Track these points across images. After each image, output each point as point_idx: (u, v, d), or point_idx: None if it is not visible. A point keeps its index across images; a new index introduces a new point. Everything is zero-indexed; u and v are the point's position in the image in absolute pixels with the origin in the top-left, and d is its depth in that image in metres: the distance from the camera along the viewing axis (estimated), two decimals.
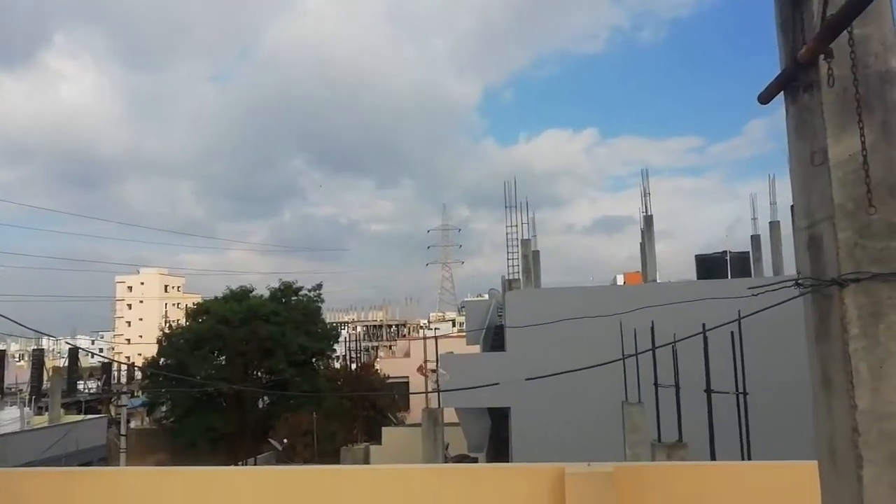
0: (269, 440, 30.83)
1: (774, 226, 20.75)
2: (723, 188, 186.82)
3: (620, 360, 11.51)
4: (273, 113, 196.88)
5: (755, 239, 22.46)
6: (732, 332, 8.76)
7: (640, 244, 22.90)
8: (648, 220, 19.76)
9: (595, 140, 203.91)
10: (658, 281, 19.44)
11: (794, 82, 2.74)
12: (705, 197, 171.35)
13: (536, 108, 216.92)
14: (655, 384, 8.64)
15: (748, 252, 20.74)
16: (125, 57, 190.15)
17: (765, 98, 3.13)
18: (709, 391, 8.27)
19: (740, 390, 8.30)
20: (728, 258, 19.35)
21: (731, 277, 18.91)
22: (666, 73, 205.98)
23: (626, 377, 11.75)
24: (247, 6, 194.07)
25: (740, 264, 19.61)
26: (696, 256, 20.27)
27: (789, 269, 20.00)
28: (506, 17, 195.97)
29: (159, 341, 40.62)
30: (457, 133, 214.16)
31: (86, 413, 41.42)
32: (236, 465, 30.33)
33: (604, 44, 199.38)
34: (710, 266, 19.50)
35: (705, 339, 8.35)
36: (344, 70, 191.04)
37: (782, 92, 3.09)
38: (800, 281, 2.76)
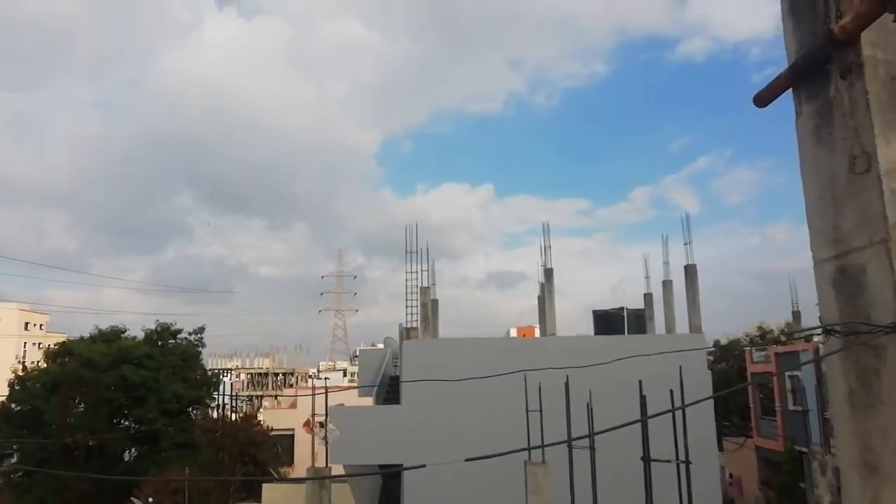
0: (132, 499, 27.72)
1: (667, 285, 21.15)
2: (609, 250, 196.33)
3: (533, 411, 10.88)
4: (160, 146, 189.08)
5: (648, 297, 22.91)
6: (672, 391, 8.22)
7: (539, 297, 22.77)
8: (548, 273, 19.59)
9: (490, 196, 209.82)
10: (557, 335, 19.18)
11: (821, 66, 2.10)
12: (592, 257, 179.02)
13: (435, 160, 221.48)
14: (569, 444, 7.98)
15: (643, 309, 21.02)
16: None
17: (765, 97, 2.48)
18: (647, 459, 7.64)
19: (681, 459, 7.72)
20: (625, 314, 19.48)
21: (628, 333, 18.98)
22: (558, 137, 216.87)
23: (529, 434, 11.08)
24: (135, 32, 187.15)
25: (636, 321, 19.78)
26: (594, 312, 20.30)
27: (680, 327, 20.37)
28: (404, 71, 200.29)
29: (11, 384, 36.30)
30: (353, 179, 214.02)
31: None
32: None
33: (500, 105, 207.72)
34: (607, 322, 19.54)
35: (642, 400, 7.76)
36: (238, 108, 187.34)
37: (790, 91, 2.50)
38: (834, 328, 2.09)
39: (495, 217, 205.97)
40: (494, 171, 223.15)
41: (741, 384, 33.56)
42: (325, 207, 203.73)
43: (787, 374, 29.50)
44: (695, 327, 17.99)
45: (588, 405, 8.20)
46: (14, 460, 35.57)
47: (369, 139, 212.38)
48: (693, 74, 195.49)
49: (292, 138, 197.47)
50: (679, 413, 8.79)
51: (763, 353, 34.55)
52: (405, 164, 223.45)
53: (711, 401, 16.25)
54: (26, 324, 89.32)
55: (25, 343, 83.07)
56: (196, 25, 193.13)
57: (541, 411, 10.87)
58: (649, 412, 15.12)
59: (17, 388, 35.61)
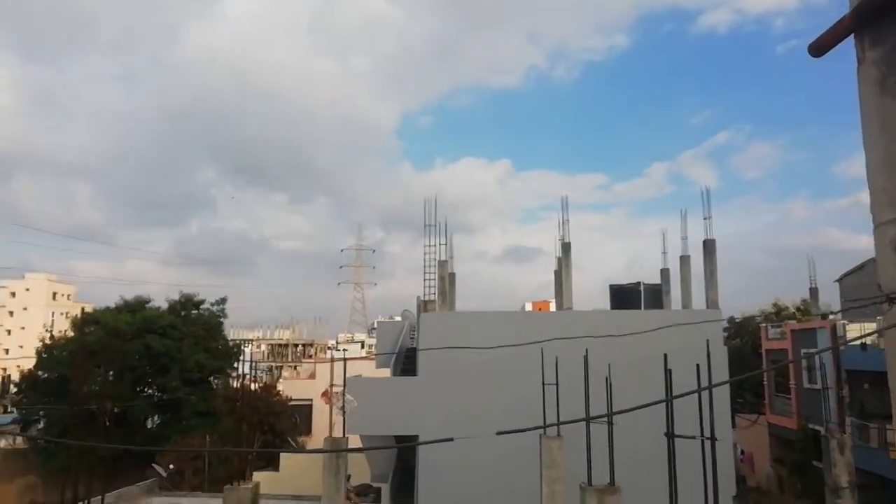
0: (154, 465, 28.46)
1: (685, 260, 21.07)
2: (625, 225, 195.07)
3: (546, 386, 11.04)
4: (184, 119, 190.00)
5: (664, 272, 22.85)
6: (698, 365, 8.31)
7: (555, 272, 22.82)
8: (566, 248, 19.61)
9: (508, 171, 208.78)
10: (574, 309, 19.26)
11: (891, 7, 1.90)
12: (609, 233, 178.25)
13: (453, 135, 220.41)
14: (587, 419, 8.11)
15: (660, 284, 20.99)
16: (22, 46, 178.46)
17: (823, 45, 2.17)
18: (671, 435, 7.78)
19: (706, 435, 7.83)
20: (642, 289, 19.49)
21: (645, 308, 19.03)
22: (577, 111, 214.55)
23: (545, 408, 11.25)
24: (162, 6, 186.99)
25: (653, 296, 19.78)
26: (611, 286, 20.30)
27: (696, 303, 20.35)
28: (425, 46, 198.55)
29: (39, 353, 37.23)
30: (373, 154, 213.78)
31: None
32: (114, 490, 27.85)
33: (520, 79, 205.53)
34: (623, 296, 19.56)
35: (668, 375, 7.87)
36: (260, 81, 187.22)
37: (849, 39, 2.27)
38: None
39: (513, 192, 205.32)
40: (513, 146, 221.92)
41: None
42: (346, 181, 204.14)
43: (803, 351, 29.39)
44: (712, 302, 17.99)
45: (607, 380, 8.31)
46: (41, 426, 36.58)
47: (389, 113, 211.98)
48: (715, 47, 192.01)
49: (313, 112, 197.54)
50: (702, 390, 8.88)
51: (779, 329, 34.41)
52: (425, 139, 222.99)
53: (727, 377, 16.28)
54: (54, 294, 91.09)
55: (53, 312, 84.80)
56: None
57: (557, 385, 11.01)
58: (657, 386, 15.24)
59: (44, 356, 36.51)
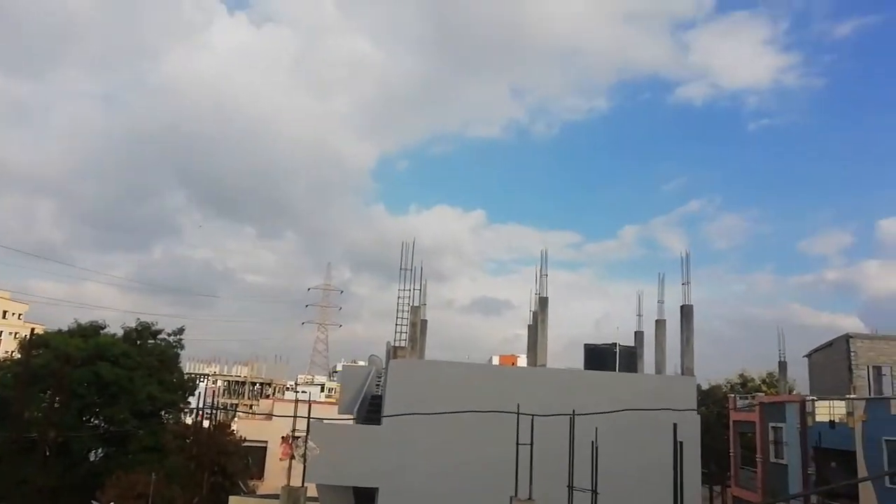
0: (93, 501, 26.86)
1: (660, 324, 20.88)
2: (595, 285, 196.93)
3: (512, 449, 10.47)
4: (158, 143, 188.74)
5: (639, 335, 22.63)
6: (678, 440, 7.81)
7: (529, 326, 22.42)
8: (543, 302, 19.25)
9: (482, 222, 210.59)
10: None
11: None
12: (578, 291, 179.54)
13: (430, 181, 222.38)
14: (570, 486, 7.58)
15: (634, 347, 20.72)
16: (1, 58, 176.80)
17: None
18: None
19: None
20: (617, 350, 19.16)
21: (619, 370, 18.65)
22: (554, 167, 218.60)
23: (518, 468, 10.69)
24: (145, 29, 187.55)
25: (627, 358, 19.46)
26: (585, 346, 19.94)
27: (671, 367, 20.10)
28: (407, 91, 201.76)
29: None
30: (347, 194, 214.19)
31: None
32: None
33: (499, 131, 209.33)
34: (598, 356, 19.19)
35: (678, 448, 7.37)
36: (239, 112, 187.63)
37: None
38: None
39: (485, 242, 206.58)
40: (488, 197, 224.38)
41: (722, 433, 33.19)
42: (317, 219, 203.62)
43: (771, 425, 29.23)
44: (687, 369, 17.70)
45: (593, 444, 7.85)
46: None
47: (367, 154, 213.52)
48: (691, 118, 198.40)
49: (290, 147, 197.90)
50: (677, 466, 8.48)
51: (746, 401, 34.31)
52: (400, 183, 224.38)
53: (699, 448, 15.89)
54: (4, 312, 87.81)
55: (1, 332, 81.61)
56: (205, 27, 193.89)
57: (531, 445, 10.49)
58: (643, 455, 14.76)
59: None
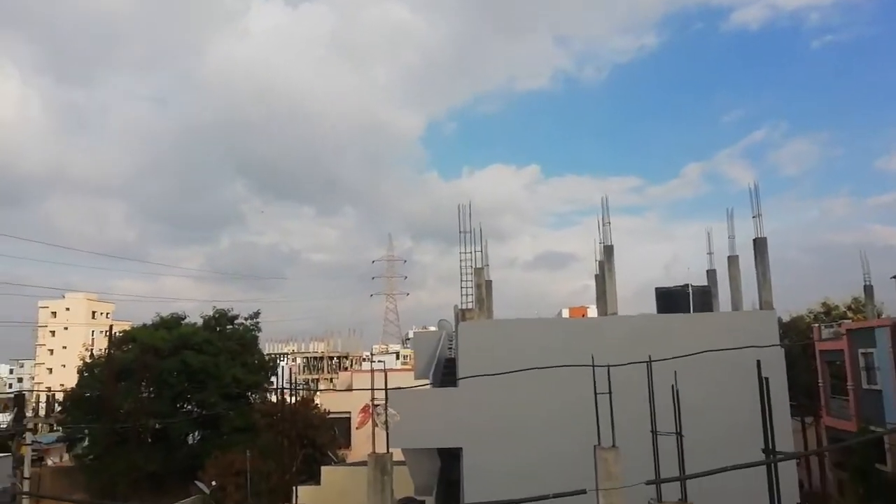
0: (195, 482, 28.36)
1: (733, 260, 20.17)
2: (660, 228, 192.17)
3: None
4: (212, 136, 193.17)
5: (711, 274, 21.95)
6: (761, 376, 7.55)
7: (596, 276, 22.07)
8: (608, 250, 18.84)
9: (537, 177, 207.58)
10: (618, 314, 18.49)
11: None
12: (643, 236, 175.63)
13: (480, 142, 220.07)
14: (653, 430, 7.48)
15: (708, 286, 20.11)
16: (53, 67, 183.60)
17: None
18: (770, 451, 7.12)
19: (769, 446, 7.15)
20: (690, 291, 18.64)
21: (693, 311, 18.17)
22: (606, 113, 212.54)
23: (598, 418, 10.61)
24: (187, 25, 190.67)
25: (701, 298, 18.90)
26: (657, 289, 19.45)
27: (748, 303, 19.43)
28: (448, 53, 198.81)
29: (80, 372, 37.65)
30: (399, 164, 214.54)
31: None
32: None
33: (547, 82, 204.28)
34: (670, 299, 18.71)
35: (763, 384, 7.16)
36: (284, 95, 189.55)
37: None
38: None
39: (543, 197, 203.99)
40: (541, 151, 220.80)
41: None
42: (373, 192, 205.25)
43: (861, 351, 28.07)
44: (765, 303, 17.05)
45: (673, 387, 7.67)
46: (85, 444, 36.88)
47: (414, 122, 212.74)
48: (748, 44, 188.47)
49: (338, 123, 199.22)
50: (765, 401, 8.20)
51: (832, 329, 33.04)
52: (450, 147, 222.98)
53: (785, 383, 15.38)
54: (94, 312, 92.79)
55: (93, 331, 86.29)
56: (243, 14, 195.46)
57: (610, 394, 10.35)
58: (727, 395, 14.43)
59: (85, 375, 36.87)
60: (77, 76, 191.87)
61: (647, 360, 8.96)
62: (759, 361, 7.30)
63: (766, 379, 7.27)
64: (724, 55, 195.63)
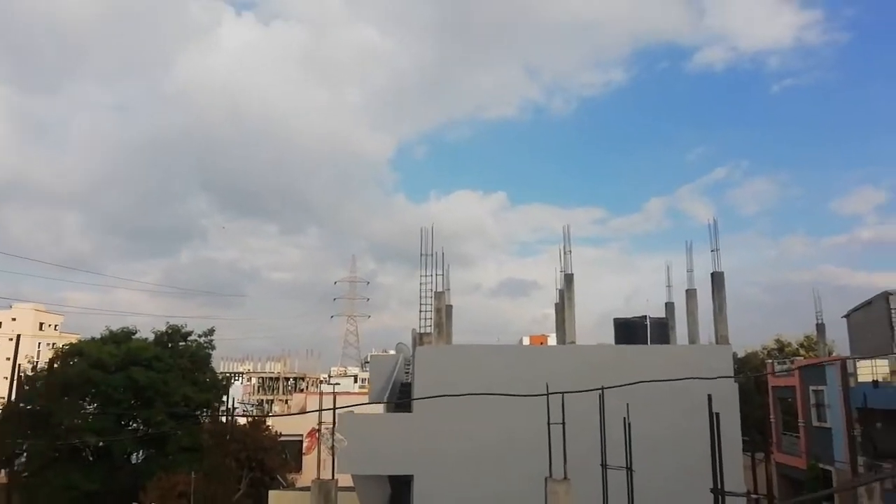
0: (135, 503, 27.25)
1: (691, 294, 20.36)
2: (623, 260, 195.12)
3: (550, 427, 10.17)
4: (176, 149, 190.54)
5: (669, 306, 22.13)
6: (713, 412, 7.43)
7: (556, 304, 22.06)
8: (569, 279, 18.84)
9: (504, 204, 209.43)
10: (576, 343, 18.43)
11: None
12: (606, 267, 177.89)
13: (448, 167, 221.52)
14: (603, 464, 7.28)
15: (666, 318, 20.24)
16: (15, 75, 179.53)
17: None
18: (719, 492, 6.96)
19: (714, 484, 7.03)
20: (648, 323, 18.71)
21: (651, 343, 18.22)
22: (574, 144, 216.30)
23: (551, 448, 10.41)
24: (156, 37, 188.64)
25: (659, 330, 19.00)
26: (615, 320, 19.52)
27: (704, 336, 19.60)
28: (419, 77, 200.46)
29: (20, 384, 36.02)
30: (367, 185, 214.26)
31: None
32: None
33: (516, 111, 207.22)
34: (628, 330, 18.76)
35: (714, 420, 7.05)
36: (253, 112, 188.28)
37: None
38: None
39: (509, 224, 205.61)
40: (509, 178, 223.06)
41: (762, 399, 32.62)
42: (339, 213, 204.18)
43: (812, 388, 28.55)
44: (721, 337, 17.19)
45: (625, 420, 7.52)
46: (22, 460, 35.25)
47: (383, 144, 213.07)
48: (711, 84, 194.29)
49: (307, 143, 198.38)
50: (715, 438, 8.10)
51: (785, 366, 33.60)
52: (419, 170, 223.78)
53: (738, 417, 15.46)
54: (41, 324, 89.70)
55: (39, 343, 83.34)
56: (214, 30, 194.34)
57: (563, 424, 10.18)
58: (680, 429, 14.37)
59: (26, 387, 35.30)
60: (40, 85, 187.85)
61: (600, 388, 8.80)
62: (709, 396, 7.21)
63: (718, 414, 7.19)
64: (688, 94, 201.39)
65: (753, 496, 13.42)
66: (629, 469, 7.84)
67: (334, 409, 11.76)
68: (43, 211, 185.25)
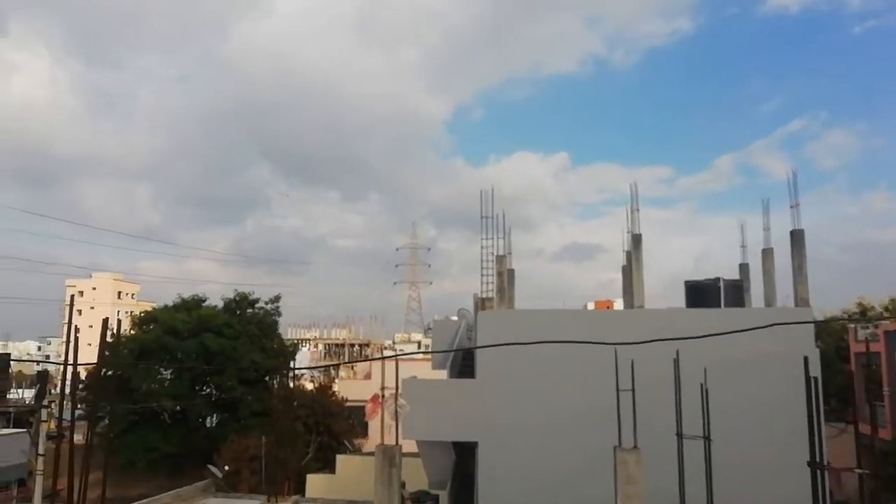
0: (209, 466, 28.21)
1: (767, 254, 19.27)
2: (691, 221, 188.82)
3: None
4: (236, 118, 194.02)
5: (744, 268, 21.07)
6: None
7: (623, 267, 21.29)
8: (636, 240, 18.07)
9: (565, 165, 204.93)
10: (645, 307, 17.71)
11: None
12: (673, 229, 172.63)
13: (507, 128, 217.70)
14: (679, 433, 6.80)
15: (741, 280, 19.24)
16: (82, 50, 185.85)
17: None
18: (816, 465, 6.41)
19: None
20: (721, 285, 17.78)
21: (725, 306, 17.32)
22: (637, 100, 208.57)
23: (620, 416, 9.93)
24: (211, 2, 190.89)
25: (733, 293, 18.03)
26: (686, 282, 18.62)
27: (781, 299, 18.54)
28: (475, 35, 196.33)
29: (101, 351, 37.76)
30: (425, 149, 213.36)
31: (16, 426, 38.30)
32: (176, 489, 27.76)
33: (577, 66, 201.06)
34: (701, 293, 17.87)
35: (812, 389, 6.48)
36: (309, 77, 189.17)
37: None
38: None
39: (571, 186, 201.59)
40: (570, 138, 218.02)
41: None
42: (398, 178, 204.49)
43: None
44: (801, 300, 16.17)
45: (702, 386, 6.99)
46: (105, 423, 37.11)
47: (440, 107, 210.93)
48: (786, 29, 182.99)
49: (363, 107, 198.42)
50: (813, 407, 7.46)
51: (868, 331, 31.77)
52: (477, 132, 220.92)
53: (820, 385, 14.52)
54: (119, 293, 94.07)
55: (119, 311, 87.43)
56: None
57: (633, 391, 9.68)
58: (758, 396, 13.61)
59: (107, 354, 36.93)
60: (104, 57, 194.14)
61: (675, 354, 8.24)
62: (806, 359, 6.56)
63: (815, 379, 6.53)
64: (760, 41, 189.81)
65: (857, 471, 12.63)
66: (706, 439, 7.32)
67: (397, 375, 11.57)
68: (115, 183, 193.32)
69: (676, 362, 8.26)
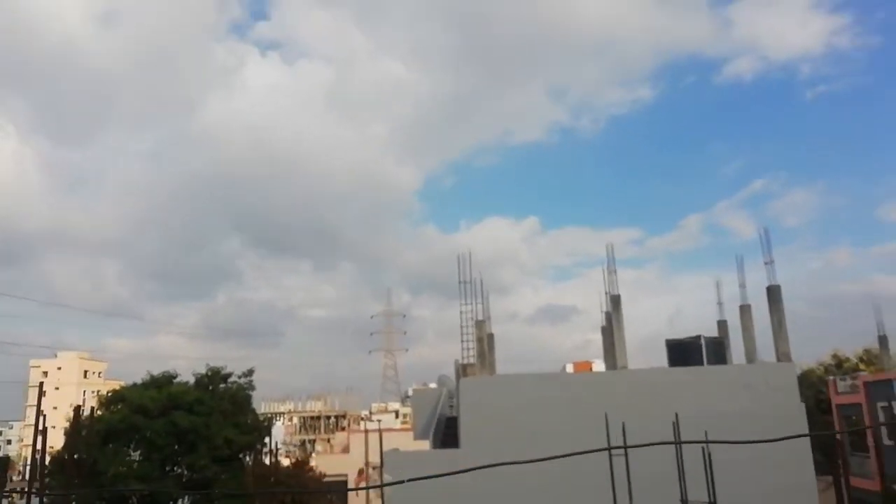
0: None
1: (745, 310, 19.43)
2: (662, 280, 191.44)
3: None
4: (207, 192, 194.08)
5: (722, 325, 21.18)
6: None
7: (603, 328, 21.25)
8: (615, 301, 18.10)
9: (536, 229, 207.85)
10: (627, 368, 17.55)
11: None
12: (645, 289, 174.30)
13: (477, 194, 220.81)
14: (683, 500, 6.56)
15: (721, 337, 19.29)
16: (50, 128, 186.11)
17: None
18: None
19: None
20: (703, 343, 17.77)
21: (707, 363, 17.27)
22: (604, 165, 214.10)
23: (613, 479, 9.62)
24: (182, 80, 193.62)
25: (715, 349, 18.04)
26: (667, 341, 18.60)
27: (763, 353, 18.58)
28: (444, 107, 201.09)
29: (67, 433, 36.20)
30: (397, 218, 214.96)
31: None
32: None
33: (543, 134, 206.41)
34: (682, 351, 17.84)
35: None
36: (281, 150, 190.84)
37: None
38: None
39: (543, 250, 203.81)
40: (539, 203, 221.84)
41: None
42: (370, 246, 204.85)
43: (880, 405, 26.96)
44: (783, 354, 16.21)
45: (704, 452, 6.77)
46: None
47: (411, 176, 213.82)
48: (743, 95, 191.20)
49: (335, 179, 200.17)
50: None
51: (848, 383, 31.93)
52: (448, 200, 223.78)
53: (808, 441, 14.43)
54: (85, 372, 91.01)
55: (85, 391, 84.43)
56: (238, 70, 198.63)
57: (626, 454, 9.43)
58: (739, 451, 13.40)
59: (82, 432, 35.38)
60: (72, 133, 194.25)
61: (674, 416, 8.06)
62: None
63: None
64: (719, 107, 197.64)
65: None
66: None
67: (381, 446, 11.13)
68: (82, 259, 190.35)
69: (676, 425, 8.06)
